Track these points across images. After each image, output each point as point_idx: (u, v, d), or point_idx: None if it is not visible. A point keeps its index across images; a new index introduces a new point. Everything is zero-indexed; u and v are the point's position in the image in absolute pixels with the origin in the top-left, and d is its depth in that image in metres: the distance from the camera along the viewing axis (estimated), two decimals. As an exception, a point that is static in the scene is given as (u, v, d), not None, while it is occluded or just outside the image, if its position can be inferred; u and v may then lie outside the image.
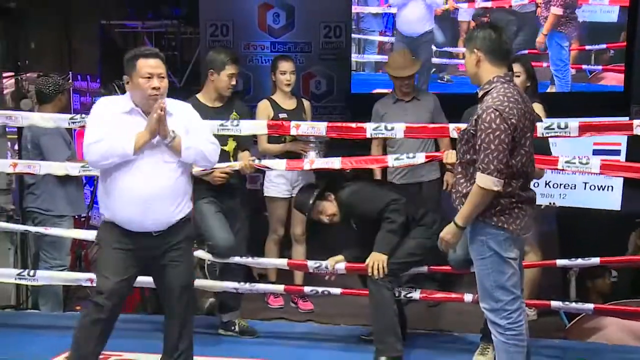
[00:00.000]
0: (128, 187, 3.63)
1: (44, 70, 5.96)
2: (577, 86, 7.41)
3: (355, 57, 8.61)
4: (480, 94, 3.51)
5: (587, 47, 7.33)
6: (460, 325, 5.05)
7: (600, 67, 7.34)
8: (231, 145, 4.76)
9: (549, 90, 7.32)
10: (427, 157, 4.42)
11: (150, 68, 3.67)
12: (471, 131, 3.46)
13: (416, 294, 4.55)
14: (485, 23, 3.56)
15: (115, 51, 10.09)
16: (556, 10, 7.31)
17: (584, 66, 7.40)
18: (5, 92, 6.43)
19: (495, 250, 3.47)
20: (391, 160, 4.50)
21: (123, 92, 5.47)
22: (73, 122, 4.79)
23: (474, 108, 4.39)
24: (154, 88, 3.65)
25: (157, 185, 3.65)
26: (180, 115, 3.80)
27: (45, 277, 4.87)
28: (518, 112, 3.39)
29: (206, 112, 4.58)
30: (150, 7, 9.89)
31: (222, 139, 4.65)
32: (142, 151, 3.61)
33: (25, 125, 4.90)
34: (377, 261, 4.23)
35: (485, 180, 3.35)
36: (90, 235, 4.91)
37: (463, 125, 4.29)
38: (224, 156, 4.68)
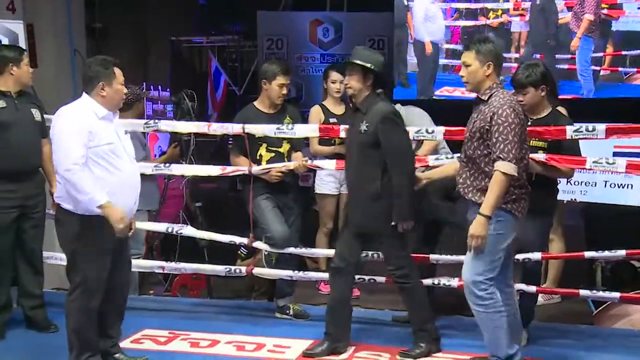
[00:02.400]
0: (127, 177, 3.70)
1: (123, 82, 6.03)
2: (611, 86, 7.49)
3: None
4: (485, 97, 3.60)
5: (623, 52, 7.45)
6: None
7: (634, 69, 7.38)
8: (285, 147, 4.73)
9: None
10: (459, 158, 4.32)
11: (122, 76, 3.76)
12: (486, 127, 3.51)
13: (454, 282, 4.47)
14: (486, 37, 3.60)
15: (183, 64, 10.20)
16: (589, 17, 7.49)
17: (620, 68, 7.45)
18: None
19: (501, 232, 3.54)
20: (432, 161, 4.42)
21: (191, 100, 5.55)
22: (147, 127, 4.87)
23: None
24: (125, 93, 3.84)
25: (137, 176, 3.81)
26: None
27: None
28: (523, 112, 3.59)
29: (262, 118, 4.60)
30: (213, 24, 9.95)
31: (278, 141, 4.65)
32: (120, 146, 3.70)
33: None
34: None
35: (507, 167, 3.43)
36: (161, 227, 4.96)
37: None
38: (279, 157, 4.68)
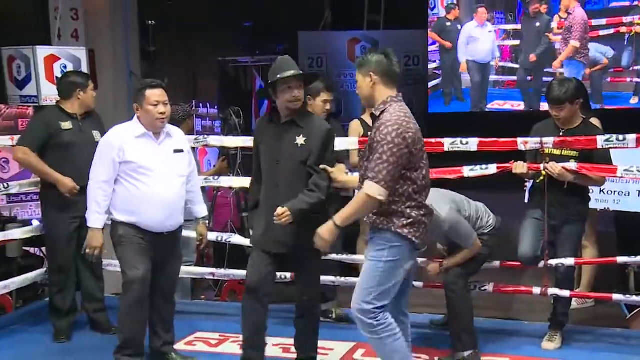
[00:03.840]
0: (155, 194, 3.74)
1: (174, 100, 6.12)
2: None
3: (431, 83, 9.08)
4: (377, 113, 3.17)
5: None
6: (528, 314, 4.86)
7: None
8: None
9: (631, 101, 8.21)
10: (498, 168, 4.28)
11: (156, 97, 3.75)
12: (373, 145, 3.10)
13: (489, 287, 4.41)
14: (377, 48, 3.27)
15: (229, 82, 10.30)
16: (574, 43, 8.30)
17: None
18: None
19: (397, 258, 3.12)
20: (467, 171, 4.37)
21: (238, 116, 5.60)
22: (197, 142, 4.93)
23: (543, 123, 4.26)
24: (160, 113, 3.75)
25: (175, 193, 3.82)
26: (178, 136, 3.97)
27: (177, 270, 4.97)
28: (414, 128, 3.11)
29: None
30: (257, 44, 10.04)
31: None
32: (160, 164, 3.77)
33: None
34: None
35: (374, 190, 3.01)
36: (211, 236, 5.00)
37: (529, 139, 4.18)
38: (323, 168, 4.66)
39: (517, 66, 8.88)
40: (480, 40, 8.95)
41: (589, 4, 8.48)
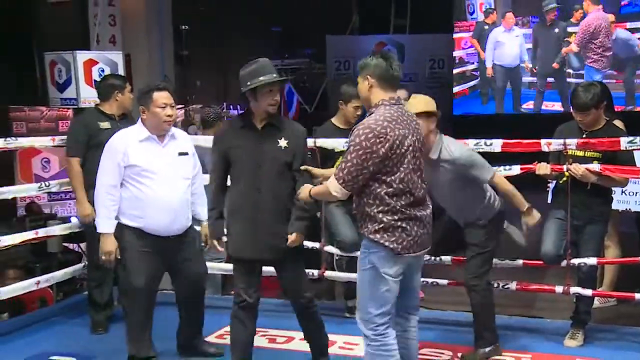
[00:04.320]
0: (159, 197, 3.66)
1: (206, 102, 6.20)
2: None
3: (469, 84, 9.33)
4: (367, 115, 3.11)
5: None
6: (551, 312, 4.82)
7: None
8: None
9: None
10: (521, 168, 4.25)
11: (164, 99, 3.68)
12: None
13: (512, 285, 4.39)
14: (377, 52, 3.21)
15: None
16: (573, 47, 8.66)
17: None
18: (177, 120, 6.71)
19: (374, 265, 3.02)
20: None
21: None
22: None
23: (566, 125, 4.22)
24: (168, 115, 3.67)
25: (179, 196, 3.74)
26: (183, 139, 3.90)
27: (208, 267, 5.00)
28: (397, 132, 2.97)
29: (338, 133, 4.58)
30: (287, 48, 10.10)
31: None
32: (164, 166, 3.70)
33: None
34: None
35: (332, 185, 3.02)
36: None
37: (553, 140, 4.14)
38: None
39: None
40: (507, 44, 9.06)
41: (628, 6, 8.55)
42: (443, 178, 3.75)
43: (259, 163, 3.44)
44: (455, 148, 3.77)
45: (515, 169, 4.25)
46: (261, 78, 3.42)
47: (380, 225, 2.99)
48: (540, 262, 4.26)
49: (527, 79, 9.11)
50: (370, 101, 3.13)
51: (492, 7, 9.11)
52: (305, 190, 3.27)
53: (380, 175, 2.99)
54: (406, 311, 3.25)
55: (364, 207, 3.04)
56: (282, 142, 3.46)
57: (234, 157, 3.48)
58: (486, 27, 9.15)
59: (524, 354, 4.03)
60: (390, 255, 3.00)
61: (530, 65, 9.09)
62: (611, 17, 8.58)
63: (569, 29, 8.85)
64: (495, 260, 4.42)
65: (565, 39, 8.81)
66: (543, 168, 4.08)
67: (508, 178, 4.27)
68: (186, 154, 3.85)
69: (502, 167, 4.29)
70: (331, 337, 4.25)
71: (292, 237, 3.46)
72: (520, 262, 4.38)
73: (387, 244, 2.99)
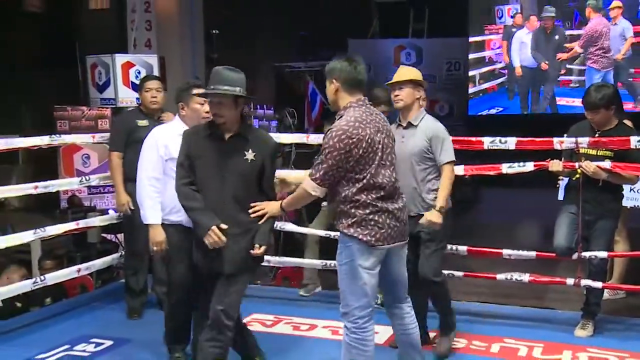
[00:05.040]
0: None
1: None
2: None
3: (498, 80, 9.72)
4: (337, 118, 3.06)
5: None
6: (562, 304, 4.79)
7: None
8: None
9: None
10: (535, 165, 4.22)
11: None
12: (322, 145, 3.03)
13: (525, 277, 4.37)
14: (343, 55, 3.17)
15: (284, 85, 10.40)
16: (577, 48, 8.93)
17: None
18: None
19: (350, 258, 3.00)
20: (505, 168, 4.32)
21: (292, 117, 5.69)
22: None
23: (579, 124, 4.19)
24: (207, 112, 3.44)
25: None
26: None
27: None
28: (368, 132, 2.96)
29: None
30: (310, 51, 10.11)
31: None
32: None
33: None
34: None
35: (309, 185, 3.00)
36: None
37: (565, 138, 4.12)
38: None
39: (582, 67, 9.30)
40: (530, 45, 9.30)
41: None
42: (411, 148, 3.66)
43: (224, 174, 3.16)
44: (436, 122, 3.78)
45: (529, 166, 4.23)
46: (211, 86, 3.14)
47: (354, 220, 2.98)
48: (553, 255, 4.24)
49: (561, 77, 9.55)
50: (337, 104, 3.10)
51: (519, 11, 9.51)
52: (273, 207, 3.17)
53: (351, 174, 2.98)
54: (398, 302, 3.26)
55: (338, 204, 3.04)
56: (249, 155, 3.16)
57: (199, 167, 3.18)
58: (514, 29, 9.53)
59: (536, 343, 4.02)
60: (364, 248, 2.98)
61: (547, 66, 9.20)
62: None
63: (567, 32, 9.29)
64: (510, 252, 4.41)
65: (565, 45, 9.09)
66: (555, 165, 4.06)
67: (522, 174, 4.27)
68: None
69: (516, 164, 4.27)
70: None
71: (258, 251, 3.20)
72: (533, 253, 4.36)
73: (360, 237, 2.97)
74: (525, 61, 9.44)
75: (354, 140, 2.94)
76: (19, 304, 4.88)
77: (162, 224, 3.62)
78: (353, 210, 2.99)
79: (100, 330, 4.29)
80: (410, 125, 3.74)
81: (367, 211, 2.98)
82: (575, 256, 4.13)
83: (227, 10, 8.75)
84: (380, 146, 3.02)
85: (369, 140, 2.97)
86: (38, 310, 4.92)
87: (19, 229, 4.80)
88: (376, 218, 2.99)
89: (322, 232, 4.86)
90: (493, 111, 9.61)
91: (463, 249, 4.48)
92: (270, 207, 3.20)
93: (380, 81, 8.57)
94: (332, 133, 2.96)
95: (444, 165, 3.66)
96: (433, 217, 3.55)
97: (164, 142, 3.61)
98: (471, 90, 9.43)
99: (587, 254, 4.11)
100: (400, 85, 3.72)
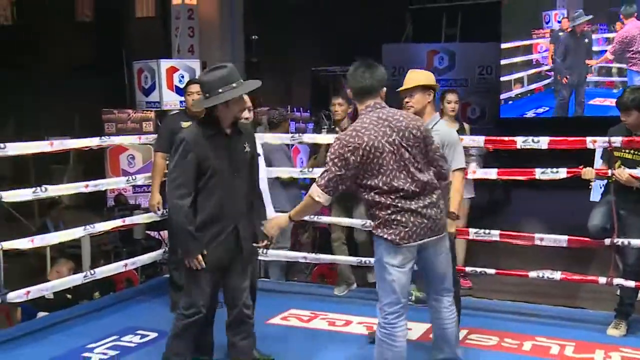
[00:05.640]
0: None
1: (272, 105, 6.26)
2: None
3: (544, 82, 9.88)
4: None
5: None
6: (593, 303, 4.67)
7: None
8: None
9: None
10: (568, 172, 4.13)
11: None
12: None
13: (557, 275, 4.28)
14: (360, 63, 3.05)
15: (320, 89, 10.41)
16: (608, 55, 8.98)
17: None
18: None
19: (379, 257, 3.02)
20: (538, 174, 4.23)
21: (329, 119, 5.67)
22: (294, 139, 5.03)
23: (617, 127, 4.08)
24: (246, 118, 3.49)
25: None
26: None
27: (273, 254, 5.03)
28: (366, 139, 2.90)
29: None
30: (346, 55, 10.08)
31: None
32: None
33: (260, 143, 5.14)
34: None
35: (316, 192, 2.98)
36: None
37: (598, 138, 4.02)
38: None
39: (622, 65, 9.36)
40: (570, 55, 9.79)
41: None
42: None
43: (235, 170, 3.13)
44: (449, 128, 3.75)
45: (562, 172, 4.15)
46: (234, 85, 3.06)
47: (379, 221, 3.00)
48: (586, 239, 4.11)
49: (594, 77, 9.65)
50: (359, 110, 3.11)
51: (565, 15, 9.65)
52: (280, 220, 3.20)
53: (365, 181, 2.98)
54: (438, 294, 3.23)
55: (366, 209, 3.11)
56: (247, 147, 3.21)
57: (210, 169, 3.07)
58: (561, 33, 9.70)
59: (568, 341, 3.92)
60: (390, 247, 2.98)
61: (603, 64, 9.55)
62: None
63: (608, 35, 9.38)
64: (542, 235, 4.27)
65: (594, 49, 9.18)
66: (589, 173, 4.03)
67: (554, 181, 4.16)
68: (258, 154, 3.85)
69: (549, 170, 4.18)
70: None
71: (262, 242, 3.25)
72: (564, 237, 4.24)
73: (386, 236, 2.98)
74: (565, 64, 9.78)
75: (350, 148, 2.92)
76: (69, 296, 4.99)
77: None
78: (377, 212, 3.00)
79: (146, 322, 4.34)
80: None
81: (389, 211, 2.97)
82: (607, 241, 4.01)
83: (266, 17, 8.81)
84: (389, 150, 2.94)
85: (368, 148, 2.92)
86: (87, 303, 5.01)
87: (70, 225, 4.91)
88: (399, 218, 2.96)
89: (346, 221, 4.82)
90: (540, 110, 9.93)
91: (495, 233, 4.37)
92: (277, 221, 3.23)
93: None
94: (334, 141, 3.00)
95: (454, 171, 3.62)
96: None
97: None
98: (518, 91, 9.70)
99: (619, 241, 3.98)
100: (411, 92, 3.65)
